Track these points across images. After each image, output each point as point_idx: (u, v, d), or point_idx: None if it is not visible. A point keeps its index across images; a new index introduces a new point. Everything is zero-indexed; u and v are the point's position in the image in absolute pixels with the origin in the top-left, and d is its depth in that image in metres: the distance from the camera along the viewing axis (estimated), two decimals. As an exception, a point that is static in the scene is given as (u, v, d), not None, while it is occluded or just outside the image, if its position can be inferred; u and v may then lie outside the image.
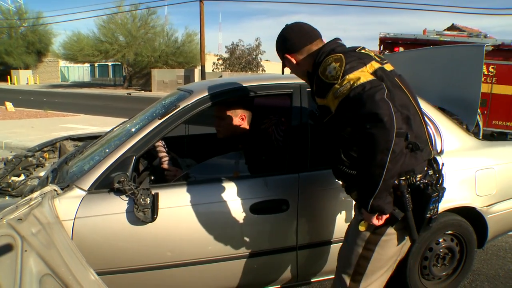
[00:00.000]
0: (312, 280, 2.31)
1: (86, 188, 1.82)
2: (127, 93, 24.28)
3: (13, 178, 2.39)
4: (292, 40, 1.66)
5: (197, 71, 25.21)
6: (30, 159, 2.77)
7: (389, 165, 1.32)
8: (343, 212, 2.16)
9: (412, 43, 8.56)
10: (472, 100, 2.70)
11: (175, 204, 1.89)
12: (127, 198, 1.82)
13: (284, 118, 2.54)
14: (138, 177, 2.22)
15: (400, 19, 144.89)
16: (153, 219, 1.76)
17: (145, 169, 2.56)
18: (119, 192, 1.81)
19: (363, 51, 1.56)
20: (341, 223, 2.15)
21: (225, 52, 33.01)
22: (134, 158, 1.87)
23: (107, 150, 2.03)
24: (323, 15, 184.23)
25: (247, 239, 2.00)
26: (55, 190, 1.82)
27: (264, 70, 32.98)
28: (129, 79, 31.48)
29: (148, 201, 1.76)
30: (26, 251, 1.60)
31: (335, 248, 2.16)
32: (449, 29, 30.93)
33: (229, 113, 2.31)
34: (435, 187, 1.50)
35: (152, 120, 1.98)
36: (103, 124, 9.53)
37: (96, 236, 1.79)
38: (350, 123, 1.41)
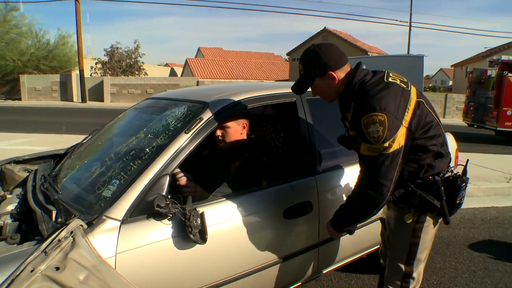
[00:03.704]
0: (323, 272, 2.42)
1: (121, 218, 1.59)
2: (-10, 104, 20.87)
3: (-23, 218, 1.94)
4: (334, 57, 1.72)
5: (74, 76, 23.00)
6: (-24, 192, 2.27)
7: (366, 217, 1.75)
8: None
9: None
10: None
11: (217, 221, 1.79)
12: (170, 222, 1.65)
13: (280, 126, 2.56)
14: None
15: (271, 21, 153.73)
16: (205, 240, 1.63)
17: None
18: (161, 216, 1.63)
19: (390, 79, 1.68)
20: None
21: (104, 55, 30.98)
22: (168, 177, 1.71)
23: (122, 174, 1.80)
24: (197, 17, 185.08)
25: (283, 243, 2.02)
26: (81, 225, 1.55)
27: (147, 74, 31.85)
28: (-12, 87, 27.08)
29: (199, 222, 1.62)
30: (79, 303, 1.33)
31: (344, 239, 2.29)
32: (321, 32, 34.18)
33: (233, 122, 2.24)
34: (461, 179, 1.75)
35: (178, 135, 1.82)
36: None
37: (142, 269, 1.58)
38: (364, 164, 1.68)
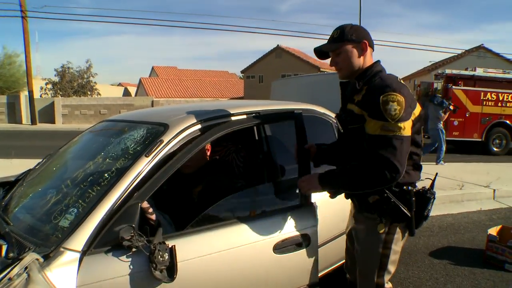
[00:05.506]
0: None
1: (80, 249, 1.48)
2: None
3: None
4: (370, 37, 1.83)
5: (23, 97, 21.92)
6: None
7: (360, 191, 1.74)
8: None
9: (469, 79, 11.69)
10: None
11: (193, 255, 1.68)
12: (135, 255, 1.55)
13: (240, 145, 2.52)
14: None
15: (225, 40, 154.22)
16: (173, 278, 1.53)
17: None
18: (125, 249, 1.52)
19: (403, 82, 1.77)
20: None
21: (54, 75, 29.90)
22: (140, 205, 1.61)
23: (80, 201, 1.69)
24: (150, 36, 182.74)
25: (271, 282, 1.93)
26: (37, 259, 1.43)
27: (100, 94, 31.01)
28: None
29: (166, 257, 1.53)
30: None
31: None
32: (275, 49, 34.79)
33: None
34: (430, 191, 1.83)
35: (138, 158, 1.72)
36: None
37: (105, 304, 1.47)
38: (370, 145, 1.63)
